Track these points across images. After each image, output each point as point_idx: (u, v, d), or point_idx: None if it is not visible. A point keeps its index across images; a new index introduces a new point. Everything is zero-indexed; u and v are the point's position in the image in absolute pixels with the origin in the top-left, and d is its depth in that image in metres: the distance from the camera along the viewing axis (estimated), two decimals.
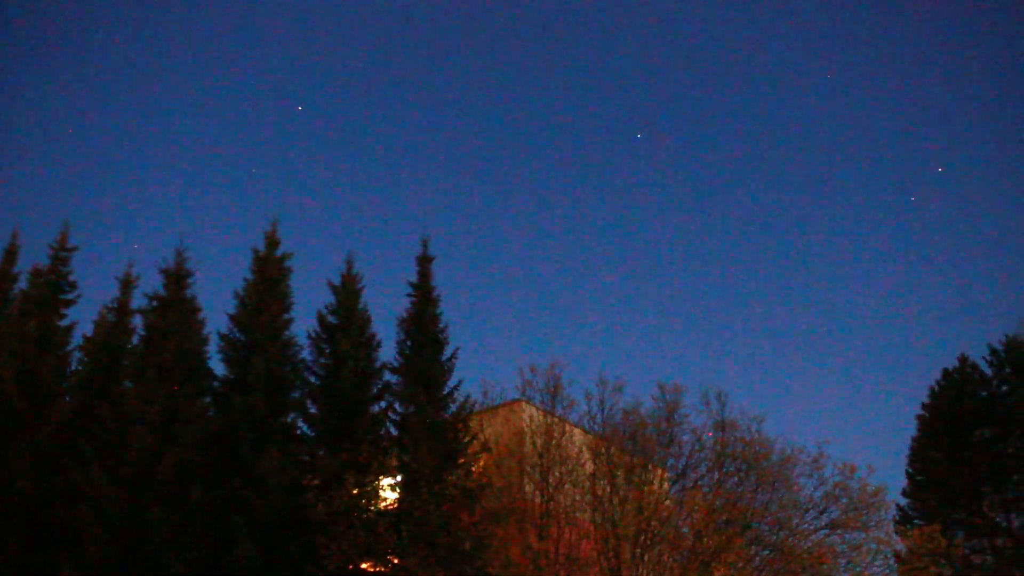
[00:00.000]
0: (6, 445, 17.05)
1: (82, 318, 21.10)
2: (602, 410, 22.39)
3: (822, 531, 20.67)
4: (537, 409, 22.49)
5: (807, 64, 77.34)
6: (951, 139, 74.79)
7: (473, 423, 19.84)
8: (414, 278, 20.14)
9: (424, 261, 20.27)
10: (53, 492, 16.56)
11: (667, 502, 21.13)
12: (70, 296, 20.55)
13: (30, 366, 18.35)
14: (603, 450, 21.37)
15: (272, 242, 19.80)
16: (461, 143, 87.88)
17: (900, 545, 21.95)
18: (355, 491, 17.03)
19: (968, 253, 76.76)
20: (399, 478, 17.99)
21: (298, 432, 18.58)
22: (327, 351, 19.22)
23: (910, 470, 32.23)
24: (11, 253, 21.57)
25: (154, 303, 18.73)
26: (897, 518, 29.98)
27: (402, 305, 20.00)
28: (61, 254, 20.66)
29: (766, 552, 20.82)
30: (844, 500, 20.49)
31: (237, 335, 18.77)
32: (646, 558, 20.25)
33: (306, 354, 19.26)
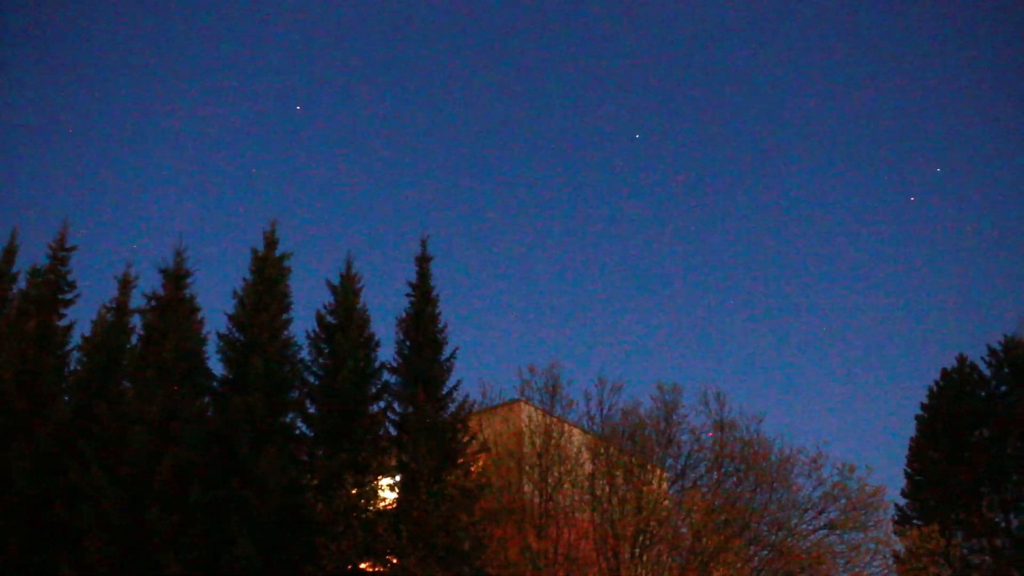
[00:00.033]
0: (6, 445, 17.07)
1: (81, 318, 21.21)
2: (601, 410, 22.38)
3: (821, 531, 20.67)
4: (536, 409, 22.48)
5: (807, 64, 77.38)
6: (951, 139, 74.87)
7: (472, 423, 19.86)
8: (413, 278, 20.19)
9: (423, 261, 20.30)
10: (52, 492, 16.57)
11: (666, 502, 21.12)
12: (69, 296, 20.61)
13: (29, 366, 18.37)
14: (602, 450, 21.36)
15: (271, 242, 19.80)
16: (461, 143, 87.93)
17: (899, 545, 21.91)
18: (354, 491, 17.03)
19: (968, 253, 76.83)
20: (398, 478, 18.00)
21: (297, 432, 18.57)
22: (326, 351, 19.24)
23: (909, 470, 32.22)
24: (10, 253, 21.62)
25: (153, 303, 18.74)
26: (896, 518, 29.99)
27: (401, 305, 20.09)
28: (60, 254, 20.70)
29: (765, 552, 20.82)
30: (843, 500, 20.48)
31: (236, 335, 18.76)
32: (645, 558, 20.26)
33: (305, 354, 19.32)
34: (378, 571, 17.06)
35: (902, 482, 32.14)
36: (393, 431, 18.94)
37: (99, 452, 16.49)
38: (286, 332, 19.10)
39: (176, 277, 19.05)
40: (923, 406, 32.93)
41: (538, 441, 21.55)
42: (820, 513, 20.68)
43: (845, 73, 76.09)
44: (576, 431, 22.48)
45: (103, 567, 15.31)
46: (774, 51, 78.66)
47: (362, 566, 16.96)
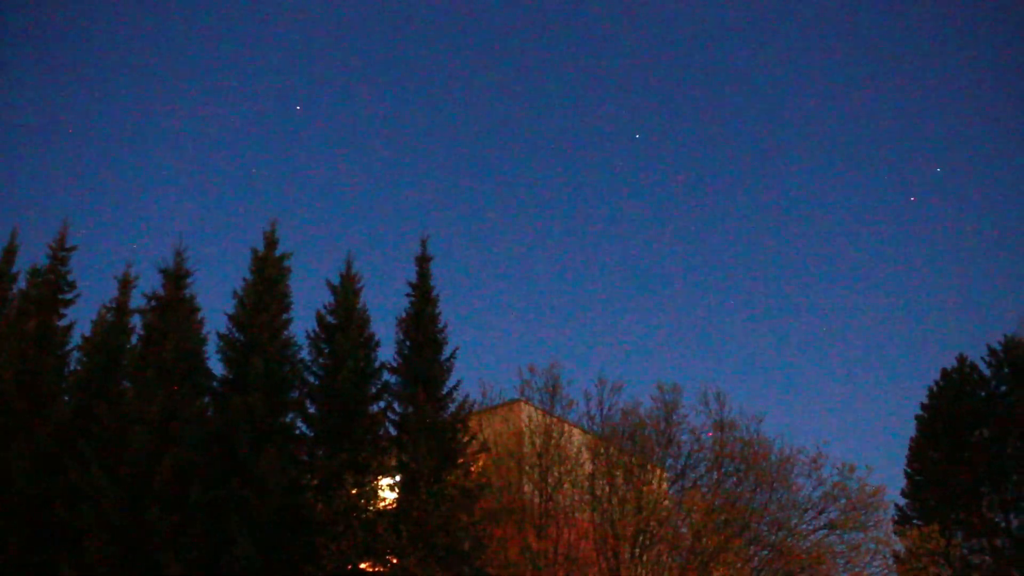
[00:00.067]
0: (6, 445, 17.06)
1: (81, 318, 21.21)
2: (601, 410, 22.37)
3: (821, 531, 20.66)
4: (536, 409, 22.47)
5: (807, 64, 77.39)
6: (951, 139, 74.88)
7: (472, 423, 19.86)
8: (413, 278, 20.19)
9: (423, 261, 20.31)
10: (52, 492, 16.57)
11: (666, 502, 21.11)
12: (69, 296, 20.61)
13: (29, 366, 18.37)
14: (602, 450, 21.36)
15: (271, 242, 19.80)
16: (461, 143, 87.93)
17: (899, 545, 21.91)
18: (354, 491, 17.03)
19: (968, 253, 76.85)
20: (398, 478, 17.99)
21: (297, 432, 18.57)
22: (326, 351, 19.24)
23: (909, 470, 32.22)
24: (10, 253, 21.62)
25: (153, 303, 18.74)
26: (896, 518, 29.99)
27: (401, 305, 20.08)
28: (60, 254, 20.69)
29: (765, 552, 20.81)
30: (843, 500, 20.48)
31: (236, 335, 18.76)
32: (645, 558, 20.25)
33: (305, 354, 19.33)
34: (378, 571, 17.06)
35: (902, 482, 32.19)
36: (393, 431, 18.94)
37: (99, 452, 16.49)
38: (286, 332, 19.12)
39: (176, 277, 19.05)
40: (923, 406, 32.93)
41: (538, 441, 21.55)
42: (820, 513, 20.68)
43: (845, 73, 76.18)
44: (576, 431, 22.48)
45: (103, 567, 15.30)
46: (774, 51, 78.72)
47: (362, 566, 16.96)
